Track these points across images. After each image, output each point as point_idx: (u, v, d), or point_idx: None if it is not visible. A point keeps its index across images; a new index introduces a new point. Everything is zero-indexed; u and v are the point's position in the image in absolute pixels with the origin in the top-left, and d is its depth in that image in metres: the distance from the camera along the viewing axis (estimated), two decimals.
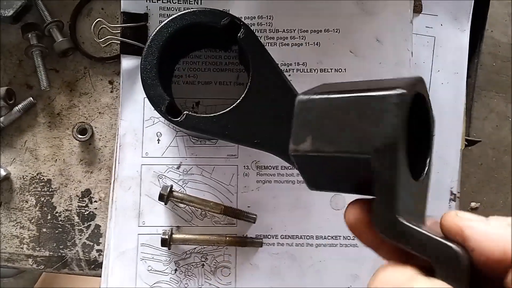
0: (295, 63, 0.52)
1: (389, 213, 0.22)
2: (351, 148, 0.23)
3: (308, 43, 0.52)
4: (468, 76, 0.57)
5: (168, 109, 0.43)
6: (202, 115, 0.43)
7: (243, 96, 0.43)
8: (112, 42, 0.51)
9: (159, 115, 0.49)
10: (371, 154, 0.22)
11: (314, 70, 0.52)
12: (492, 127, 1.51)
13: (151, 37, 0.44)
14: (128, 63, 0.51)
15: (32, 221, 0.52)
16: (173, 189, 0.49)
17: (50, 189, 0.53)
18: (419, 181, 0.26)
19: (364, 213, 0.26)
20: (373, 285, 0.24)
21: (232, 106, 0.43)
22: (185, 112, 0.43)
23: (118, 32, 0.51)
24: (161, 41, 0.44)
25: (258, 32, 0.52)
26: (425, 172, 0.26)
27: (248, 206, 0.50)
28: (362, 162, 0.23)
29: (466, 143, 0.55)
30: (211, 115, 0.43)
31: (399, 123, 0.22)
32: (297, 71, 0.52)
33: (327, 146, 0.24)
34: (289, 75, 0.51)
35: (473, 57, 0.59)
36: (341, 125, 0.24)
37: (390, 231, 0.22)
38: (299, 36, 0.52)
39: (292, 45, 0.52)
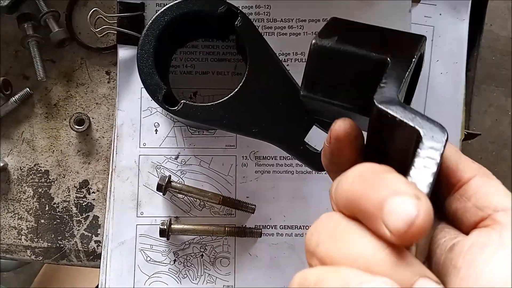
0: (293, 52, 0.52)
1: (393, 92, 0.25)
2: (372, 51, 0.28)
3: (306, 32, 0.52)
4: (468, 70, 0.57)
5: (165, 98, 0.43)
6: (200, 104, 0.43)
7: (240, 85, 0.43)
8: (109, 32, 0.51)
9: (156, 105, 0.49)
10: (389, 57, 0.27)
11: None
12: (491, 121, 1.51)
13: (147, 25, 0.44)
14: (125, 53, 0.51)
15: (30, 212, 0.52)
16: (171, 180, 0.49)
17: (48, 180, 0.52)
18: None
19: (352, 129, 0.27)
20: (346, 175, 0.23)
21: (229, 95, 0.43)
22: (182, 101, 0.43)
23: (115, 22, 0.51)
24: (157, 29, 0.44)
25: (255, 21, 0.51)
26: None
27: (247, 197, 0.50)
28: (376, 64, 0.27)
29: (466, 133, 0.55)
30: (209, 104, 0.43)
31: (417, 52, 0.27)
32: (295, 60, 0.51)
33: (350, 47, 0.28)
34: (288, 65, 0.51)
35: (473, 51, 0.58)
36: (367, 38, 0.29)
37: (393, 104, 0.24)
38: (297, 26, 0.52)
39: (290, 35, 0.52)
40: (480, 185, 0.24)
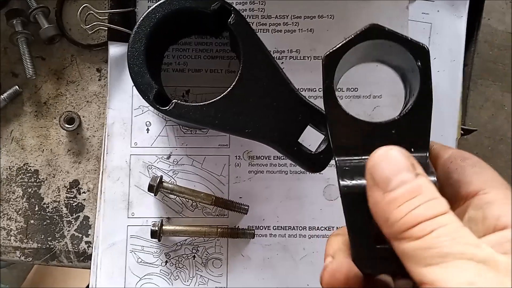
0: (288, 50, 0.51)
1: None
2: None
3: (302, 29, 0.51)
4: (465, 65, 0.56)
5: (156, 97, 0.42)
6: (192, 104, 0.42)
7: (233, 84, 0.42)
8: (100, 28, 0.50)
9: (148, 104, 0.48)
10: None
11: (308, 58, 0.50)
12: (488, 116, 1.51)
13: (138, 23, 0.43)
14: (116, 50, 0.50)
15: (20, 212, 0.51)
16: (163, 180, 0.48)
17: (38, 180, 0.51)
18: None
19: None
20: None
21: (222, 95, 0.42)
22: (173, 100, 0.42)
23: (106, 18, 0.49)
24: (148, 27, 0.43)
25: (249, 18, 0.50)
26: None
27: (240, 197, 0.49)
28: None
29: (462, 132, 0.54)
30: (201, 103, 0.42)
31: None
32: (290, 58, 0.50)
33: None
34: (282, 62, 0.50)
35: (470, 45, 0.58)
36: None
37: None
38: (292, 23, 0.51)
39: (285, 32, 0.51)
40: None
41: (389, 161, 0.24)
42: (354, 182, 0.26)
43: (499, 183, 0.25)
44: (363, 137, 0.29)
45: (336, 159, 0.29)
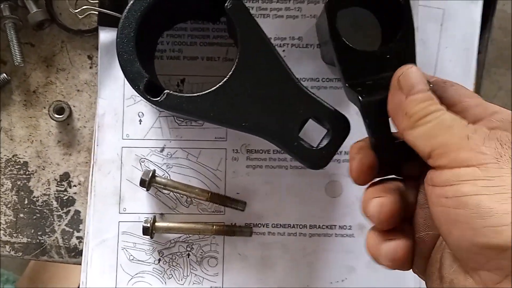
0: (289, 37, 0.47)
1: None
2: None
3: (305, 15, 0.47)
4: (478, 52, 0.52)
5: (147, 87, 0.39)
6: (185, 95, 0.39)
7: (230, 74, 0.39)
8: (91, 13, 0.47)
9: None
10: None
11: (310, 46, 0.47)
12: (501, 105, 1.46)
13: (128, 6, 0.40)
14: (107, 36, 0.47)
15: (9, 206, 0.49)
16: (156, 174, 0.46)
17: (27, 172, 0.49)
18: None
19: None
20: None
21: (217, 85, 0.39)
22: (166, 91, 0.39)
23: (96, 2, 0.47)
24: (139, 11, 0.40)
25: (249, 2, 0.47)
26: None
27: (237, 193, 0.47)
28: None
29: None
30: (195, 94, 0.39)
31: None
32: (291, 46, 0.47)
33: None
34: (283, 50, 0.47)
35: (484, 32, 0.54)
36: None
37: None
38: (295, 8, 0.47)
39: (286, 17, 0.47)
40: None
41: (414, 74, 0.31)
42: (372, 95, 0.33)
43: (474, 96, 0.33)
44: (366, 62, 0.36)
45: (347, 83, 0.36)
